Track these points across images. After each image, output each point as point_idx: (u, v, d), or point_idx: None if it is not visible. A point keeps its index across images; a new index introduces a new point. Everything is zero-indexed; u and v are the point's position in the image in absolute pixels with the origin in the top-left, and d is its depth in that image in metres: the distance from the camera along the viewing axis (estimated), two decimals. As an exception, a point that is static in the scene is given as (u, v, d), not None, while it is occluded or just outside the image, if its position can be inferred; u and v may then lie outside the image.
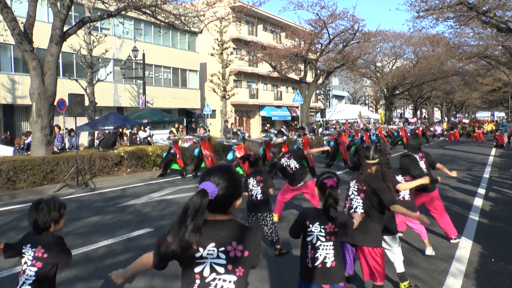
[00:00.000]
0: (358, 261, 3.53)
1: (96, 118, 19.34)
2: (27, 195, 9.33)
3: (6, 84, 19.87)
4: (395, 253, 3.92)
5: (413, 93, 44.38)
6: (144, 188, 10.26)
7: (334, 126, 16.51)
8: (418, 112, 54.13)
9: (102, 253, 5.12)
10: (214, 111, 29.97)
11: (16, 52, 19.04)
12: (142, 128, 16.94)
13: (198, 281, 1.74)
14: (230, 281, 1.72)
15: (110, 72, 23.55)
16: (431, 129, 35.29)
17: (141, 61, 22.30)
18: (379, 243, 3.37)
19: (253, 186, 4.97)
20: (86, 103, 13.64)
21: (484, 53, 25.18)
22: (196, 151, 12.18)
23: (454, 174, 5.35)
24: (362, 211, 3.38)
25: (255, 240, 1.79)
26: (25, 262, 2.51)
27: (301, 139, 13.28)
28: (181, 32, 27.42)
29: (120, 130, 15.84)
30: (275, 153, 6.58)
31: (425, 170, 5.33)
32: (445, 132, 35.19)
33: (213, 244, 1.73)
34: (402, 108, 63.89)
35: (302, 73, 27.44)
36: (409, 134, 20.13)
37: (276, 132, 13.28)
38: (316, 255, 2.69)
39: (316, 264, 2.68)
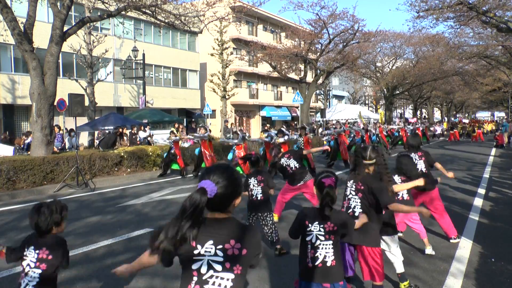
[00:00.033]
0: (357, 261, 3.53)
1: (96, 118, 19.34)
2: (27, 195, 9.33)
3: (6, 84, 19.87)
4: (394, 254, 3.92)
5: (413, 93, 44.37)
6: (144, 188, 10.26)
7: (334, 126, 16.50)
8: (418, 112, 54.13)
9: (102, 253, 5.12)
10: (214, 111, 29.97)
11: (16, 52, 19.04)
12: (142, 128, 16.94)
13: (195, 278, 1.76)
14: (227, 279, 1.73)
15: (110, 72, 23.55)
16: (431, 129, 35.29)
17: (141, 61, 22.30)
18: (378, 243, 3.38)
19: (253, 186, 4.97)
20: (86, 103, 13.65)
21: (484, 53, 25.18)
22: (197, 151, 12.19)
23: (450, 175, 5.40)
24: (361, 210, 3.38)
25: (254, 239, 1.79)
26: (28, 264, 2.48)
27: (302, 139, 13.28)
28: (181, 32, 27.43)
29: (120, 130, 15.84)
30: (275, 153, 6.59)
31: (425, 169, 5.32)
32: (445, 132, 35.19)
33: (211, 242, 1.75)
34: (402, 108, 63.88)
35: (302, 73, 27.44)
36: (409, 134, 20.12)
37: (276, 132, 13.29)
38: (316, 254, 2.69)
39: (316, 263, 2.68)
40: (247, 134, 17.58)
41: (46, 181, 10.10)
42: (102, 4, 13.47)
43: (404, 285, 3.88)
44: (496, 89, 38.63)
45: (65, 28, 11.19)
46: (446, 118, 58.47)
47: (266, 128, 22.71)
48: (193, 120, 26.54)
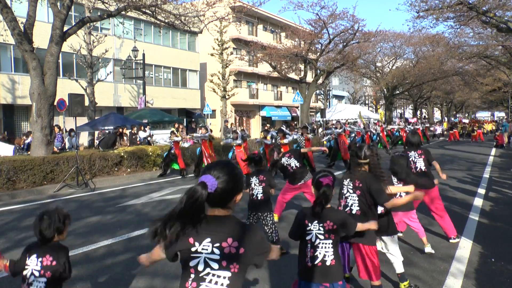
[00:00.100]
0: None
1: (96, 118, 19.34)
2: (27, 195, 9.33)
3: (6, 84, 19.87)
4: (394, 254, 3.93)
5: (413, 93, 44.38)
6: (144, 188, 10.26)
7: (334, 126, 16.49)
8: (418, 112, 54.13)
9: (102, 253, 5.12)
10: (214, 111, 29.97)
11: (16, 52, 19.04)
12: (142, 128, 16.94)
13: (192, 275, 1.77)
14: (224, 277, 1.73)
15: (110, 72, 23.55)
16: (431, 129, 35.28)
17: (141, 61, 22.30)
18: (374, 241, 3.40)
19: (255, 185, 4.98)
20: (86, 103, 13.64)
21: (484, 53, 25.17)
22: (198, 150, 12.21)
23: (444, 177, 5.46)
24: (358, 208, 3.39)
25: (254, 237, 1.78)
26: (32, 274, 2.44)
27: (303, 138, 13.29)
28: (181, 32, 27.42)
29: (120, 130, 15.84)
30: (276, 153, 6.61)
31: (424, 168, 5.30)
32: (445, 132, 35.18)
33: (208, 240, 1.75)
34: (402, 108, 63.89)
35: (302, 73, 27.44)
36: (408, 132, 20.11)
37: (276, 131, 13.28)
38: (315, 254, 2.70)
39: (315, 262, 2.68)
40: (247, 134, 17.55)
41: (46, 181, 10.10)
42: (102, 4, 13.47)
43: (404, 285, 3.88)
44: (496, 89, 38.63)
45: (65, 28, 11.19)
46: (446, 118, 58.45)
47: (266, 128, 22.70)
48: (193, 120, 26.54)
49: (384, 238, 3.93)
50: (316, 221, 2.73)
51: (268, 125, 28.22)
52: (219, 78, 27.53)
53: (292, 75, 29.97)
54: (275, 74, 30.10)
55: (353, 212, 3.39)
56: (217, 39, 26.74)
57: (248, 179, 5.05)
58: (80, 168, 10.40)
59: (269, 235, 4.89)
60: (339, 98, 56.14)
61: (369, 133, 19.35)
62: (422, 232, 4.93)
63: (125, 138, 16.29)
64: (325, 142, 16.75)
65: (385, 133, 21.47)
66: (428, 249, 4.89)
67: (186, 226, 1.74)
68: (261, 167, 5.18)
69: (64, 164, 10.49)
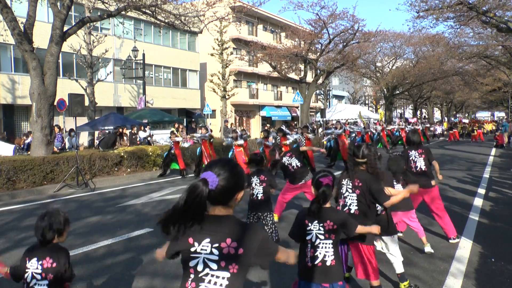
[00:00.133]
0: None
1: (96, 118, 19.34)
2: (27, 195, 9.33)
3: (6, 84, 19.87)
4: (394, 254, 3.93)
5: (413, 93, 44.38)
6: (144, 188, 10.26)
7: (334, 126, 16.49)
8: (418, 112, 54.13)
9: (102, 253, 5.12)
10: (214, 111, 29.97)
11: (16, 52, 19.04)
12: (142, 128, 16.94)
13: (192, 275, 1.76)
14: (223, 277, 1.72)
15: (110, 72, 23.55)
16: (431, 129, 35.27)
17: (141, 61, 22.30)
18: (372, 241, 3.41)
19: (255, 185, 4.99)
20: (86, 103, 13.64)
21: (484, 53, 25.17)
22: (198, 150, 12.21)
23: (440, 177, 5.58)
24: (356, 208, 3.39)
25: (254, 238, 1.75)
26: (33, 277, 2.43)
27: (303, 138, 13.29)
28: (181, 32, 27.43)
29: (120, 130, 15.84)
30: (277, 153, 6.61)
31: (424, 167, 5.28)
32: (445, 132, 35.19)
33: (207, 240, 1.74)
34: (402, 108, 63.88)
35: (302, 73, 27.43)
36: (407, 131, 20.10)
37: (276, 131, 13.28)
38: (315, 254, 2.69)
39: (315, 262, 2.68)
40: (247, 134, 17.52)
41: (46, 181, 10.10)
42: (102, 4, 13.47)
43: (404, 285, 3.88)
44: (496, 89, 38.63)
45: (65, 28, 11.19)
46: (446, 118, 58.46)
47: (266, 128, 22.70)
48: (193, 120, 26.54)
49: (384, 238, 3.93)
50: (316, 221, 2.73)
51: (268, 125, 28.22)
52: (219, 78, 27.53)
53: (292, 75, 29.96)
54: (275, 74, 30.10)
55: (352, 211, 3.39)
56: (217, 39, 26.75)
57: (249, 179, 5.05)
58: (80, 168, 10.40)
59: (269, 235, 4.89)
60: (339, 98, 56.14)
61: (369, 133, 19.34)
62: (422, 231, 4.93)
63: (125, 138, 16.29)
64: (325, 142, 16.77)
65: (385, 132, 21.47)
66: (427, 248, 4.89)
67: (187, 224, 1.73)
68: (262, 167, 5.19)
69: (64, 164, 10.49)
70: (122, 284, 4.12)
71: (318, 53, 26.83)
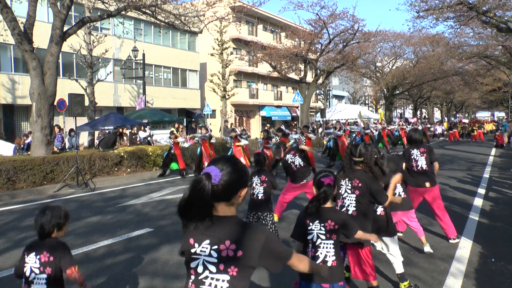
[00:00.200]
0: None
1: (96, 118, 19.34)
2: (27, 195, 9.33)
3: (6, 84, 19.86)
4: (394, 254, 3.92)
5: (413, 93, 44.37)
6: (144, 188, 10.26)
7: (334, 126, 16.48)
8: (418, 112, 54.12)
9: (102, 253, 5.12)
10: (214, 111, 29.98)
11: (16, 52, 19.03)
12: (142, 128, 16.94)
13: (192, 277, 1.74)
14: (223, 280, 1.69)
15: (110, 72, 23.55)
16: (431, 129, 35.25)
17: (141, 61, 22.30)
18: (369, 242, 3.40)
19: (256, 184, 4.99)
20: (86, 103, 13.64)
21: (484, 53, 25.17)
22: (198, 150, 12.21)
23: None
24: (354, 209, 3.39)
25: (254, 239, 1.71)
26: (32, 271, 2.46)
27: (303, 137, 13.30)
28: (181, 32, 27.42)
29: (120, 130, 15.84)
30: (282, 151, 6.61)
31: (425, 166, 5.23)
32: (445, 132, 35.18)
33: (207, 241, 1.72)
34: (402, 108, 63.89)
35: (302, 73, 27.42)
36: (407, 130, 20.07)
37: (276, 131, 13.29)
38: (316, 254, 2.69)
39: (316, 262, 2.68)
40: (248, 134, 17.51)
41: (46, 181, 10.10)
42: (102, 4, 13.47)
43: (404, 285, 3.88)
44: (496, 89, 38.63)
45: (65, 28, 11.19)
46: (446, 118, 58.46)
47: (266, 128, 22.70)
48: (193, 120, 26.54)
49: (384, 238, 3.92)
50: (317, 221, 2.73)
51: (268, 125, 28.22)
52: (219, 78, 27.53)
53: (292, 75, 29.95)
54: (275, 74, 30.09)
55: (349, 212, 3.38)
56: (217, 39, 26.75)
57: (251, 178, 5.05)
58: (80, 168, 10.40)
59: (276, 237, 4.89)
60: (339, 98, 56.14)
61: (369, 134, 19.30)
62: (421, 231, 4.93)
63: (125, 138, 16.29)
64: (325, 142, 16.77)
65: (386, 132, 21.45)
66: (427, 248, 4.89)
67: (190, 222, 1.71)
68: (263, 167, 5.19)
69: (64, 164, 10.49)
70: (122, 284, 4.12)
71: (318, 53, 26.82)
